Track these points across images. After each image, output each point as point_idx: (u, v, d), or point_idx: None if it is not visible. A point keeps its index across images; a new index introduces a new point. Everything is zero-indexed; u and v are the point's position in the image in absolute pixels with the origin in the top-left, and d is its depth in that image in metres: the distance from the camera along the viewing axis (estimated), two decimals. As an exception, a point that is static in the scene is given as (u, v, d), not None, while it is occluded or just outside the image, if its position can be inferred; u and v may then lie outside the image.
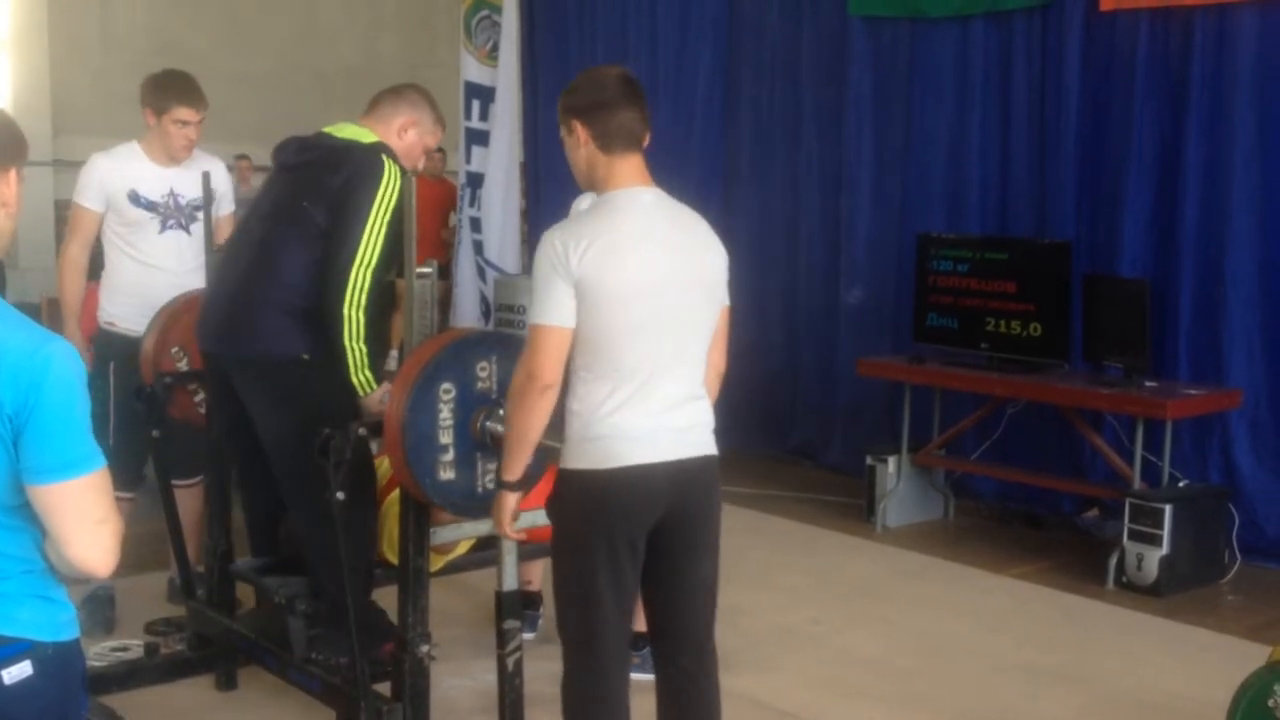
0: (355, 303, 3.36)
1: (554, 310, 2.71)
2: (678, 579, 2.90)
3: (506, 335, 3.39)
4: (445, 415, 3.14)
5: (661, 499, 2.80)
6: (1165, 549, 5.19)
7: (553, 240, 2.75)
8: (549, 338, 2.72)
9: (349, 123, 3.63)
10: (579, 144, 2.84)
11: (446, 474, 3.17)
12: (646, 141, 2.87)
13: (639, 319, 2.74)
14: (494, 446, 3.19)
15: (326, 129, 3.63)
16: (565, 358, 2.74)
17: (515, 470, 2.85)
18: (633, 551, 2.82)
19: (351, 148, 3.51)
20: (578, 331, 2.73)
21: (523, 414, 2.76)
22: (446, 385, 3.14)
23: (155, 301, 4.34)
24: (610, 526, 2.78)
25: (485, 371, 3.21)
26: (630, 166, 2.83)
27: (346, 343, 3.37)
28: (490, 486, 3.20)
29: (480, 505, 3.23)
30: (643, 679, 3.14)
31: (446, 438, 3.15)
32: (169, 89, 4.44)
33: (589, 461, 2.78)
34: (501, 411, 3.16)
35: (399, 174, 3.46)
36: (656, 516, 2.82)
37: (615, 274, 2.71)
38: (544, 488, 3.01)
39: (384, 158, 3.47)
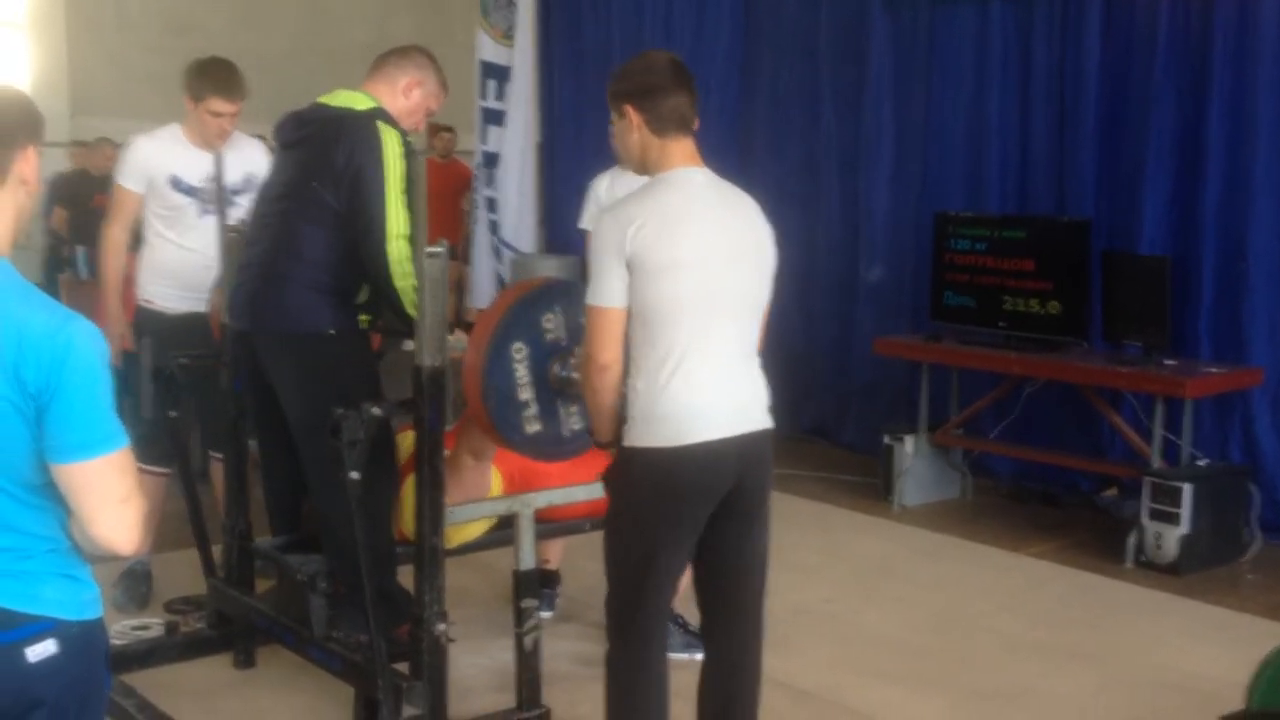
0: (403, 273, 3.36)
1: (607, 291, 2.76)
2: (734, 553, 2.94)
3: (568, 284, 3.48)
4: (521, 373, 3.27)
5: (730, 474, 2.84)
6: (1185, 528, 5.17)
7: (607, 221, 2.79)
8: (603, 319, 2.77)
9: (344, 89, 3.60)
10: (631, 128, 2.87)
11: (533, 427, 3.31)
12: (696, 125, 2.89)
13: (694, 293, 2.77)
14: (571, 391, 3.32)
15: (321, 99, 3.60)
16: (621, 337, 2.79)
17: (602, 434, 2.94)
18: (695, 528, 2.87)
19: (345, 117, 3.47)
20: (635, 308, 2.77)
21: (589, 392, 2.88)
22: (518, 344, 3.26)
23: (191, 283, 4.40)
24: (680, 504, 2.82)
25: (552, 323, 3.33)
26: (682, 149, 2.86)
27: (411, 312, 3.35)
28: (576, 427, 3.35)
29: (570, 447, 3.37)
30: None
31: (526, 394, 3.28)
32: (206, 79, 4.42)
33: (656, 439, 2.80)
34: (574, 360, 3.28)
35: (397, 137, 3.44)
36: (724, 492, 2.85)
37: (669, 248, 2.74)
38: (586, 462, 3.07)
39: (378, 124, 3.43)
